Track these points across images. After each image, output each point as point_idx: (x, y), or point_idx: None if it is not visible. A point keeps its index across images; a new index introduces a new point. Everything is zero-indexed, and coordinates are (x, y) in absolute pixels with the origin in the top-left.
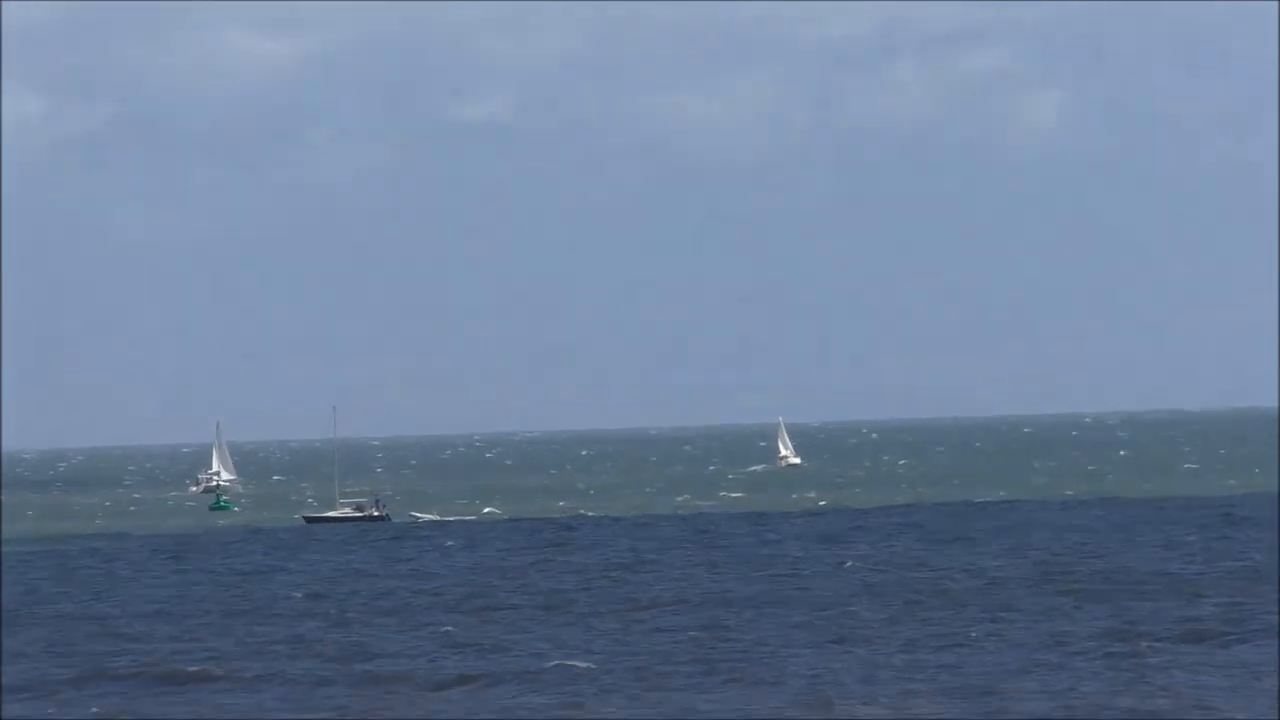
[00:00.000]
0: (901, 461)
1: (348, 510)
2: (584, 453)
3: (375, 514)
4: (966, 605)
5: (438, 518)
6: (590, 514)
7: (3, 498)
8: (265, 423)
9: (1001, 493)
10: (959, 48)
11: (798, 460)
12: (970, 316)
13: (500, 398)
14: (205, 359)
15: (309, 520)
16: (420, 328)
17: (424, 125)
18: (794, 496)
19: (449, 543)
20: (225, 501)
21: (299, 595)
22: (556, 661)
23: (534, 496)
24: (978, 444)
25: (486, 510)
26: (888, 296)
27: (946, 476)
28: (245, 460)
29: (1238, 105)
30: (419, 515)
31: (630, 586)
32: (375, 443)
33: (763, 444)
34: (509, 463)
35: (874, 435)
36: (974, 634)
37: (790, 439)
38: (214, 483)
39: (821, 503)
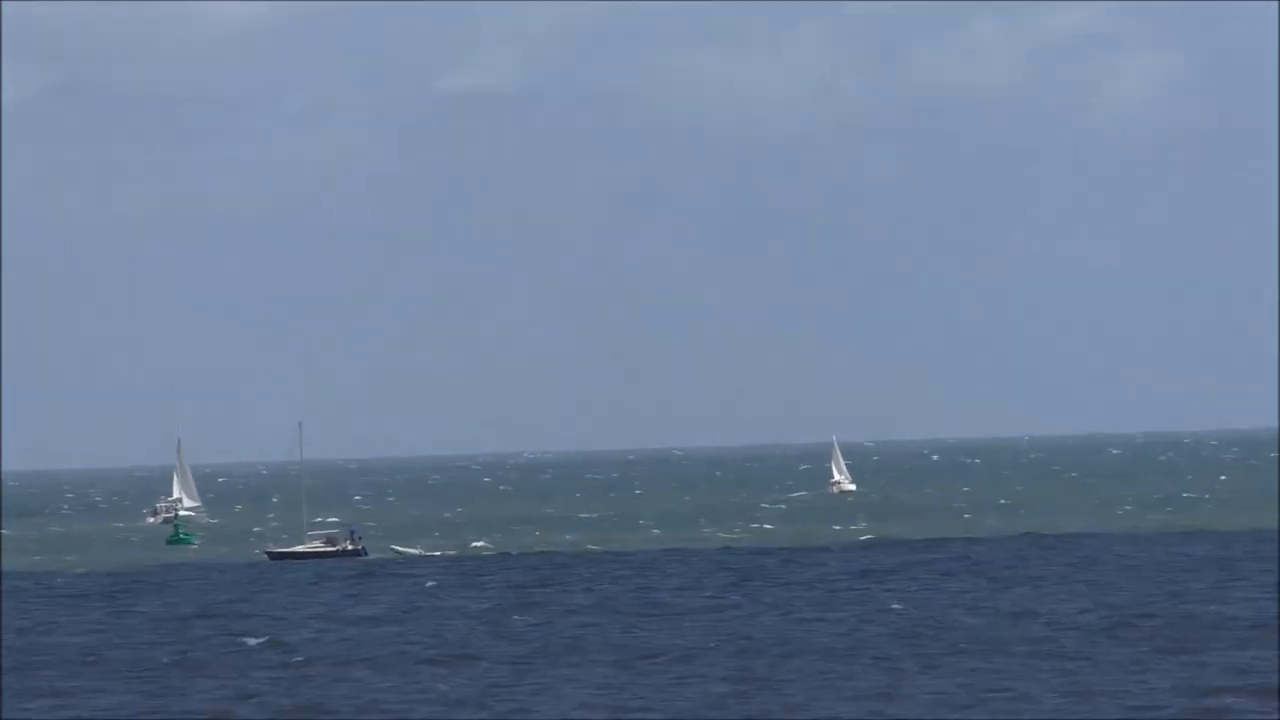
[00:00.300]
0: (965, 488)
1: (317, 544)
2: (593, 477)
3: (349, 548)
4: (1025, 655)
5: (421, 552)
6: (595, 548)
7: None
8: (230, 442)
9: (1078, 524)
10: (1044, 4)
11: (853, 486)
12: (1049, 318)
13: (501, 414)
14: (157, 368)
15: (273, 556)
16: (408, 332)
17: (414, 96)
18: (836, 528)
19: (430, 582)
20: (185, 534)
21: (252, 642)
22: None
23: (533, 528)
24: (1055, 467)
25: (475, 544)
26: (952, 296)
27: (1016, 505)
28: (204, 485)
29: None
30: (400, 549)
31: (638, 633)
32: (354, 466)
33: (805, 467)
34: (505, 489)
35: (935, 457)
36: (1032, 689)
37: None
38: (173, 513)
39: (866, 536)
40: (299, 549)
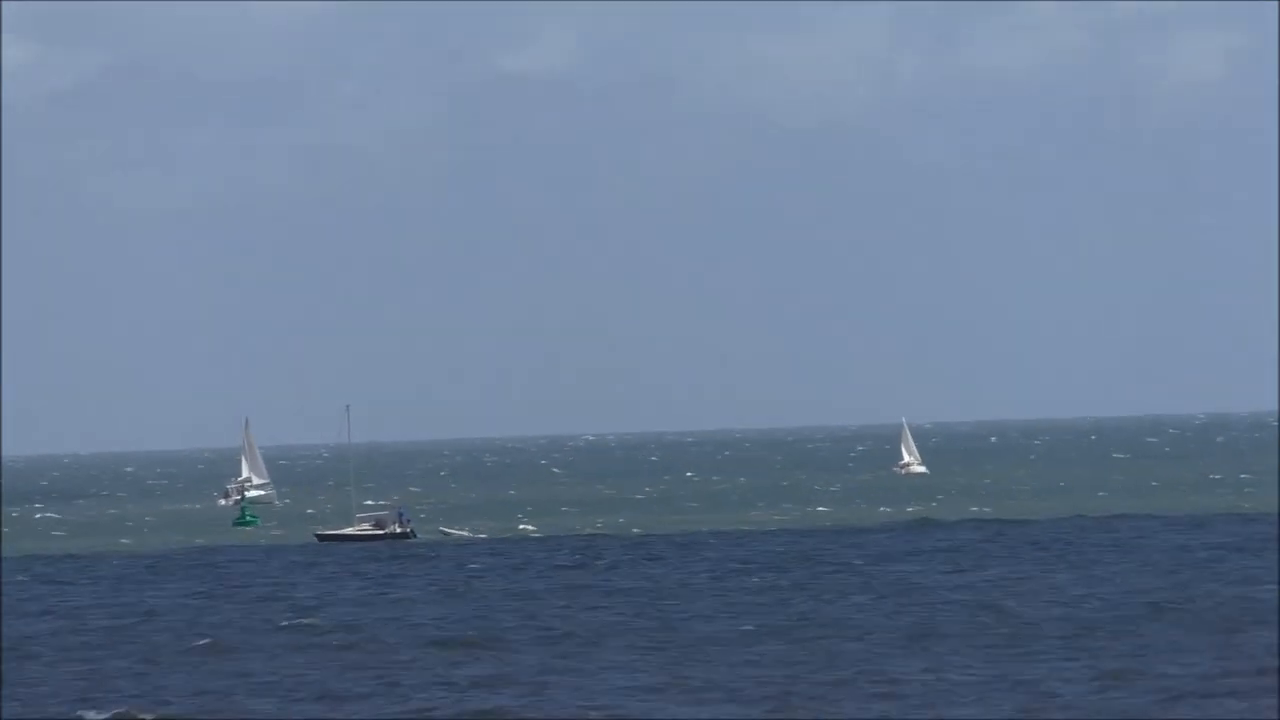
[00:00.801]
0: (1023, 470)
1: (366, 526)
2: (653, 459)
3: (398, 530)
4: (1066, 636)
5: (469, 534)
6: (641, 531)
7: None
8: (291, 424)
9: (1132, 505)
10: (1048, 5)
11: (922, 468)
12: (1110, 301)
13: (559, 395)
14: (217, 351)
15: (322, 538)
16: (466, 315)
17: (467, 80)
18: (886, 510)
19: (474, 564)
20: (250, 516)
21: (289, 623)
22: (575, 709)
23: (583, 510)
24: (1113, 448)
25: (523, 526)
26: (1015, 278)
27: (1072, 487)
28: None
29: None
30: (448, 531)
31: (677, 616)
32: (409, 448)
33: (861, 448)
34: (557, 471)
35: (993, 439)
36: (1069, 671)
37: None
38: (242, 494)
39: (915, 518)
40: (347, 531)
